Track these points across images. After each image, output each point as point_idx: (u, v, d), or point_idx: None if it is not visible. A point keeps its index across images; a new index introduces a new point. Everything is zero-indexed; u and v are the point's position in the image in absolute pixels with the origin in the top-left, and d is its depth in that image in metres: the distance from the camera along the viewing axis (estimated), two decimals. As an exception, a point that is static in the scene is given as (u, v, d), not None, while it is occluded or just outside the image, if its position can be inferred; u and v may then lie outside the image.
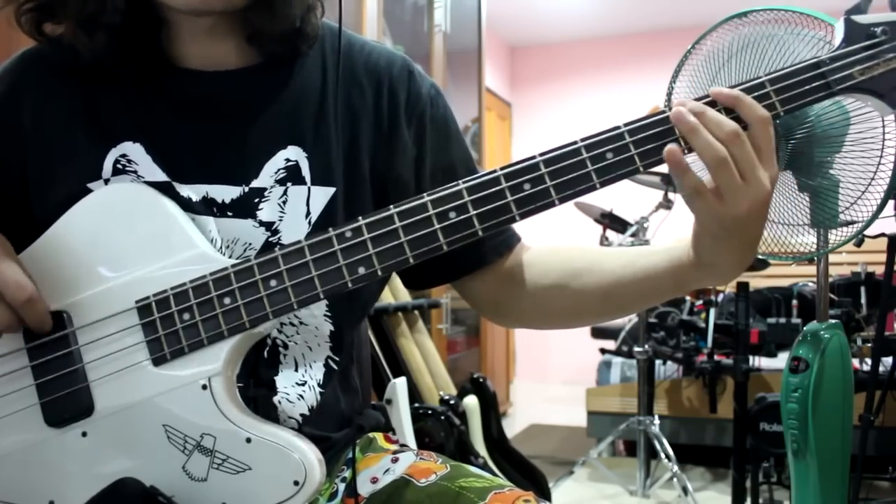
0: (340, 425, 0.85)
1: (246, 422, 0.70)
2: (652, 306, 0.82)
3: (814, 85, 0.71)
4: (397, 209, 0.71)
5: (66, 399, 0.72)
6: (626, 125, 0.70)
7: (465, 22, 3.78)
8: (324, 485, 0.77)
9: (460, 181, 0.71)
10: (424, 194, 0.71)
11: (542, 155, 0.70)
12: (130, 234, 0.74)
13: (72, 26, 0.77)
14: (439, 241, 0.70)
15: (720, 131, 0.67)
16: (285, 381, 0.80)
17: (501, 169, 0.71)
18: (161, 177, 0.78)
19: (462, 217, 0.70)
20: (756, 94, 0.70)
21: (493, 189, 0.70)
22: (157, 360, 0.71)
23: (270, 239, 0.78)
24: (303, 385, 0.81)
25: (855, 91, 0.72)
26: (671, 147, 0.68)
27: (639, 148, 0.70)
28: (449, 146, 0.89)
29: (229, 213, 0.78)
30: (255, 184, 0.79)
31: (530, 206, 0.70)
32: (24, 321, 0.70)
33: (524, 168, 0.70)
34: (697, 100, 0.70)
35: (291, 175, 0.80)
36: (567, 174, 0.70)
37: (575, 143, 0.70)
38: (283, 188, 0.79)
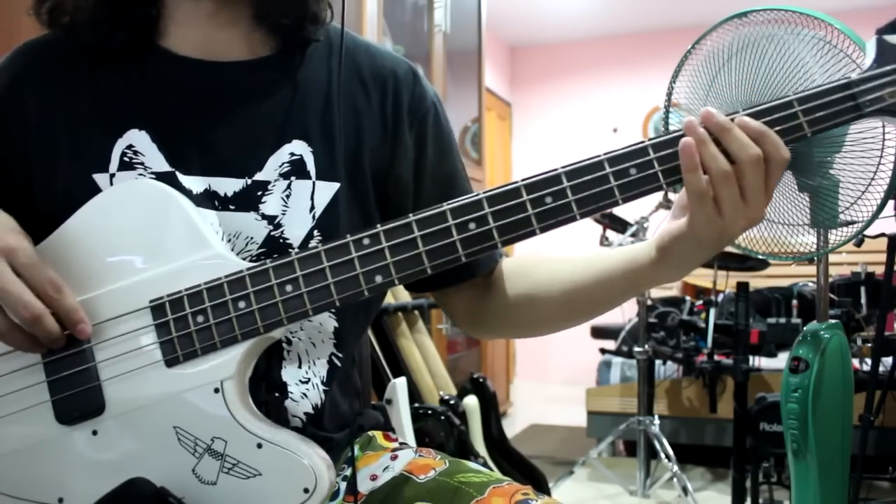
0: (342, 426, 0.86)
1: (257, 426, 0.70)
2: (612, 308, 0.84)
3: (844, 106, 0.69)
4: (416, 217, 0.70)
5: (77, 397, 0.72)
6: (649, 140, 0.69)
7: (465, 22, 3.78)
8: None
9: (480, 192, 0.70)
10: (443, 204, 0.70)
11: (564, 167, 0.70)
12: (145, 233, 0.74)
13: None
14: (458, 253, 0.70)
15: (743, 152, 0.67)
16: (289, 379, 0.80)
17: (523, 180, 0.70)
18: (165, 167, 0.78)
19: (482, 229, 0.70)
20: (783, 113, 0.68)
21: (515, 201, 0.69)
22: (170, 362, 0.72)
23: (273, 233, 0.79)
24: (307, 383, 0.81)
25: (885, 114, 0.70)
26: (687, 140, 0.67)
27: (663, 165, 0.69)
28: (449, 154, 0.90)
29: (231, 207, 0.78)
30: (258, 177, 0.79)
31: (551, 220, 0.70)
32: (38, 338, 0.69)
33: (546, 180, 0.69)
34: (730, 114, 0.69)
35: (296, 169, 0.80)
36: (590, 189, 0.69)
37: (598, 156, 0.69)
38: (287, 182, 0.80)
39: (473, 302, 0.89)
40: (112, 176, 0.78)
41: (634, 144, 0.69)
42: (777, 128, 0.68)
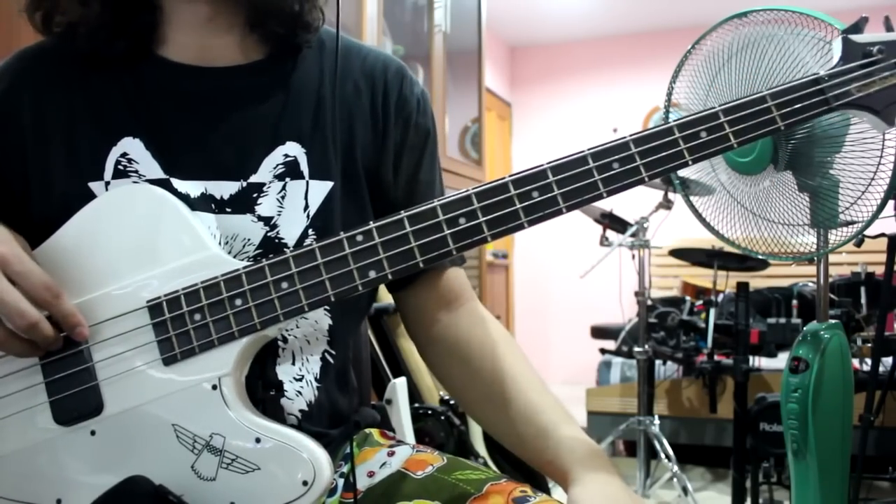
0: (337, 422, 0.86)
1: (255, 422, 0.71)
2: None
3: (813, 100, 0.74)
4: (407, 213, 0.72)
5: (75, 398, 0.72)
6: (631, 136, 0.72)
7: (465, 22, 3.77)
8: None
9: (469, 188, 0.72)
10: (434, 200, 0.72)
11: (549, 163, 0.72)
12: (141, 236, 0.74)
13: None
14: (449, 247, 0.71)
15: None
16: (284, 376, 0.80)
17: (510, 176, 0.72)
18: (159, 174, 0.78)
19: (472, 223, 0.71)
20: (758, 107, 0.72)
21: (502, 196, 0.71)
22: (168, 360, 0.72)
23: (269, 234, 0.79)
24: (300, 380, 0.81)
25: (852, 107, 0.75)
26: None
27: (644, 159, 0.72)
28: (423, 156, 0.91)
29: (228, 210, 0.79)
30: (253, 179, 0.80)
31: (538, 214, 0.71)
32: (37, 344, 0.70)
33: (532, 175, 0.72)
34: None
35: (290, 170, 0.81)
36: (574, 183, 0.71)
37: (582, 152, 0.72)
38: (282, 183, 0.80)
39: (418, 315, 0.91)
40: (107, 184, 0.78)
41: (617, 140, 0.72)
42: (752, 121, 0.73)
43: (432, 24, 3.36)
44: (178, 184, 0.78)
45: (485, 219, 0.71)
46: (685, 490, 2.68)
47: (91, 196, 0.77)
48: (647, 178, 0.72)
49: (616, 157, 0.71)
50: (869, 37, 0.75)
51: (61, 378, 0.72)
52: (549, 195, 0.71)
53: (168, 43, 0.82)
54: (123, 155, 0.79)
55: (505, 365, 0.85)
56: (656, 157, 0.72)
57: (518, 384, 0.83)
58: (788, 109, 0.73)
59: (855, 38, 0.75)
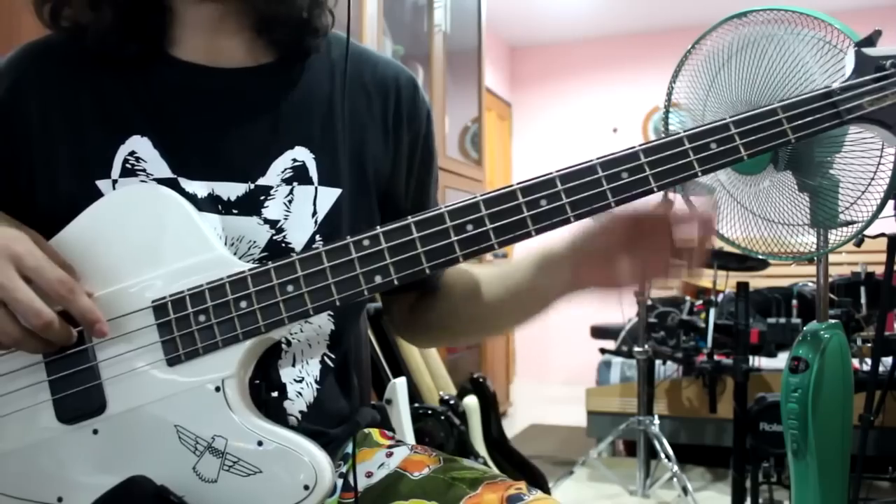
0: (337, 422, 0.86)
1: (258, 425, 0.71)
2: (521, 323, 0.92)
3: (825, 114, 0.72)
4: (415, 219, 0.71)
5: (78, 396, 0.72)
6: (640, 146, 0.71)
7: (465, 22, 3.78)
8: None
9: (477, 194, 0.72)
10: (441, 206, 0.72)
11: (558, 171, 0.71)
12: (147, 236, 0.74)
13: (79, 2, 0.78)
14: (456, 253, 0.71)
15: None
16: (284, 378, 0.80)
17: (518, 183, 0.72)
18: (167, 173, 0.78)
19: (479, 230, 0.71)
20: (768, 120, 0.71)
21: (510, 203, 0.71)
22: (172, 361, 0.72)
23: (275, 237, 0.79)
24: (300, 381, 0.81)
25: (864, 121, 0.74)
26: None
27: (653, 169, 0.71)
28: (430, 169, 0.92)
29: (234, 211, 0.79)
30: (261, 181, 0.80)
31: (546, 223, 0.71)
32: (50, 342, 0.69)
33: (541, 183, 0.71)
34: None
35: (298, 175, 0.81)
36: (583, 192, 0.71)
37: (591, 161, 0.71)
38: (290, 187, 0.80)
39: (407, 310, 0.95)
40: (114, 182, 0.78)
41: (626, 149, 0.71)
42: (762, 133, 0.72)
43: (432, 24, 3.36)
44: (185, 183, 0.78)
45: (492, 226, 0.71)
46: (685, 490, 2.68)
47: (98, 194, 0.77)
48: (655, 189, 0.71)
49: (625, 166, 0.71)
50: (882, 50, 0.74)
51: (65, 376, 0.72)
52: (558, 203, 0.70)
53: (178, 44, 0.82)
54: (131, 153, 0.78)
55: (468, 274, 0.90)
56: (666, 167, 0.71)
57: (481, 276, 0.89)
58: (800, 122, 0.72)
59: (868, 51, 0.74)
